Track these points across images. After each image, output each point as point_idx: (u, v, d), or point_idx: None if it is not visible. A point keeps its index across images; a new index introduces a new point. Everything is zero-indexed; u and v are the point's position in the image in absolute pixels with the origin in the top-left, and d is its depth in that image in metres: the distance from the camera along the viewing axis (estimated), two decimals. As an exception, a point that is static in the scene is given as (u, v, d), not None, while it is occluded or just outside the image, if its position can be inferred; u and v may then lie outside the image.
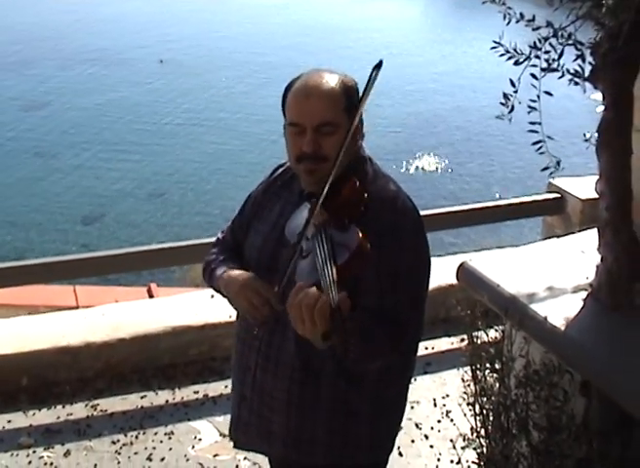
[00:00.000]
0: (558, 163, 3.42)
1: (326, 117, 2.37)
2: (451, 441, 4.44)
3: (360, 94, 2.28)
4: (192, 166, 27.32)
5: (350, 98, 2.42)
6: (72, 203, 24.49)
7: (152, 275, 17.02)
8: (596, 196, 5.66)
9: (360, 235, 2.16)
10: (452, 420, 4.68)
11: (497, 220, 6.80)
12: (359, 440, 2.55)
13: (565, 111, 26.70)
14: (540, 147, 3.37)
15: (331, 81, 2.42)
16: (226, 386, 4.86)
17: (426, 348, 5.39)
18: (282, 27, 45.66)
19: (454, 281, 5.44)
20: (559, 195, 6.06)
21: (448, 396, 4.95)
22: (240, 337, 2.66)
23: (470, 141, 29.32)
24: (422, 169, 27.31)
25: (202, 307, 5.37)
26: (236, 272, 2.51)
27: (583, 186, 5.97)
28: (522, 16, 3.45)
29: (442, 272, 5.20)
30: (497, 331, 3.37)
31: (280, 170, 2.71)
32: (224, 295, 2.55)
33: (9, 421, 4.66)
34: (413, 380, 4.90)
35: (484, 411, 3.22)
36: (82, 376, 5.03)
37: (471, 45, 41.32)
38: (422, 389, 5.02)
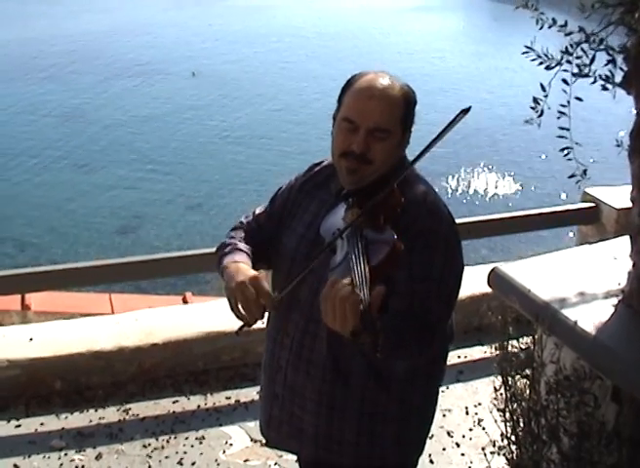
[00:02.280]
0: (585, 171, 3.41)
1: (382, 122, 2.38)
2: (482, 449, 4.41)
3: (440, 130, 2.24)
4: (228, 178, 27.37)
5: (408, 110, 2.45)
6: (109, 214, 24.63)
7: (188, 285, 17.09)
8: (631, 205, 5.65)
9: (395, 236, 2.17)
10: (483, 428, 4.65)
11: (531, 230, 6.78)
12: (386, 441, 2.55)
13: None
14: (568, 153, 3.36)
15: (396, 88, 2.43)
16: (258, 392, 4.85)
17: (459, 357, 5.38)
18: (316, 40, 45.64)
19: (487, 289, 5.48)
20: (594, 204, 6.02)
21: (480, 404, 4.93)
22: (271, 336, 2.67)
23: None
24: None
25: (235, 313, 5.37)
26: (242, 266, 2.49)
27: (618, 195, 5.92)
28: (554, 21, 3.45)
29: (475, 281, 5.20)
30: (527, 336, 3.35)
31: (316, 168, 2.71)
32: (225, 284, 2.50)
33: (42, 424, 4.70)
34: (445, 388, 4.95)
35: (514, 417, 3.20)
36: (115, 381, 5.06)
37: (512, 59, 41.16)
38: (454, 397, 5.00)
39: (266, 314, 2.42)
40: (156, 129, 32.39)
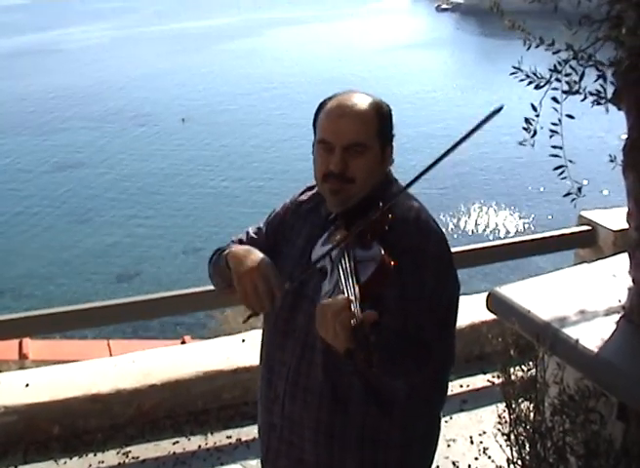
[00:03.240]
0: (579, 189, 3.37)
1: (356, 138, 2.36)
2: (489, 478, 4.35)
3: (471, 128, 2.10)
4: (225, 221, 27.43)
5: (383, 123, 2.43)
6: (106, 261, 24.64)
7: (187, 329, 17.03)
8: (628, 227, 5.61)
9: (382, 252, 2.14)
10: (489, 457, 4.54)
11: (528, 255, 6.70)
12: None
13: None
14: (562, 172, 3.33)
15: (366, 103, 2.41)
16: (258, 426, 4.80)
17: (461, 386, 5.31)
18: (305, 85, 45.79)
19: (486, 317, 5.44)
20: (590, 227, 5.98)
21: (485, 433, 4.85)
22: (267, 366, 2.61)
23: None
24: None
25: (234, 351, 5.32)
26: (253, 249, 2.42)
27: (614, 217, 5.89)
28: (542, 40, 3.43)
29: (474, 309, 5.16)
30: (529, 360, 3.30)
31: (309, 192, 2.68)
32: (228, 271, 2.42)
33: (41, 471, 4.63)
34: (448, 418, 4.88)
35: (519, 441, 3.14)
36: (113, 424, 4.99)
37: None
38: (459, 427, 4.93)
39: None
40: (150, 176, 32.58)
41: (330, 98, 2.48)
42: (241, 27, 70.36)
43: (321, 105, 2.48)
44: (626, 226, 5.67)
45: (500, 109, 2.06)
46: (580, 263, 6.11)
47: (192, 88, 46.68)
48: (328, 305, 2.01)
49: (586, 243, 6.03)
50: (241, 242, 2.69)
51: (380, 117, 2.43)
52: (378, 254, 2.14)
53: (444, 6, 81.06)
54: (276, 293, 2.27)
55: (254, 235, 2.71)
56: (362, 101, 2.42)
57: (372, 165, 2.39)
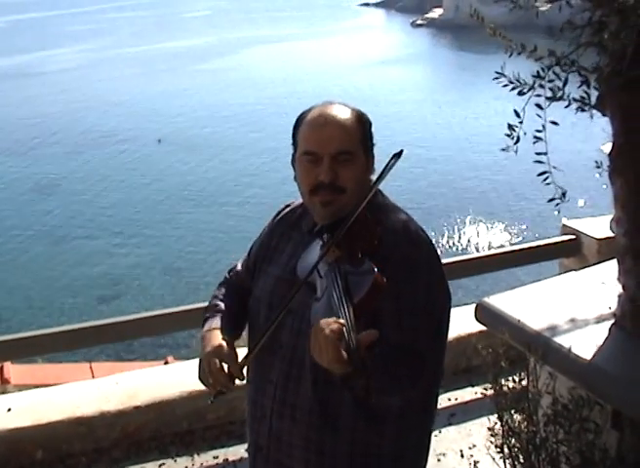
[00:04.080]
0: (564, 194, 3.34)
1: (344, 145, 2.34)
2: (481, 492, 4.29)
3: (376, 176, 2.27)
4: (206, 240, 27.39)
5: (365, 130, 2.42)
6: (87, 284, 24.51)
7: (169, 350, 16.95)
8: (612, 235, 5.59)
9: (375, 270, 2.09)
10: (480, 471, 4.53)
11: (511, 266, 6.68)
12: None
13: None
14: (547, 178, 3.30)
15: (347, 112, 2.40)
16: (246, 449, 4.72)
17: (449, 399, 5.26)
18: (285, 100, 45.85)
19: (472, 330, 5.40)
20: (574, 236, 5.96)
21: (475, 446, 4.80)
22: (254, 385, 2.55)
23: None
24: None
25: (218, 370, 5.25)
26: (213, 335, 2.46)
27: (598, 226, 5.88)
28: (524, 47, 3.40)
29: (460, 322, 5.11)
30: (519, 371, 3.25)
31: (287, 209, 2.65)
32: None
33: (24, 496, 4.53)
34: (437, 432, 4.83)
35: (513, 453, 3.08)
36: (98, 447, 4.90)
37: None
38: (448, 441, 4.87)
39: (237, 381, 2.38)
40: (127, 196, 32.54)
41: (309, 110, 2.45)
42: (218, 47, 70.52)
43: (300, 117, 2.45)
44: (610, 234, 5.71)
45: (400, 153, 2.23)
46: (564, 273, 6.11)
47: (168, 109, 46.69)
48: (321, 330, 1.96)
49: (571, 252, 6.01)
50: (231, 279, 2.76)
51: (363, 125, 2.41)
52: (369, 272, 2.10)
53: (419, 21, 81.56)
54: (232, 370, 2.31)
55: (240, 269, 2.75)
56: (343, 110, 2.40)
57: (360, 174, 2.37)
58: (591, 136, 28.47)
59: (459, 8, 74.35)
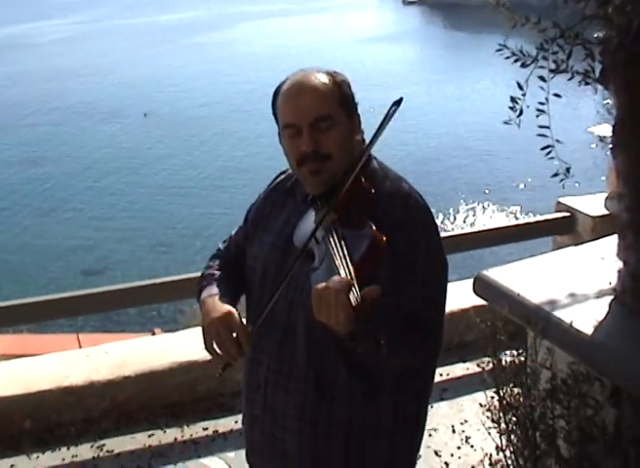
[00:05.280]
0: (568, 169, 3.30)
1: (320, 111, 2.28)
2: (472, 467, 4.29)
3: (376, 128, 2.16)
4: (194, 217, 27.31)
5: (344, 92, 2.35)
6: (73, 256, 24.44)
7: (156, 324, 16.91)
8: (606, 212, 5.57)
9: (373, 228, 2.05)
10: (472, 446, 4.52)
11: (505, 242, 6.64)
12: (378, 458, 2.39)
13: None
14: (550, 152, 3.26)
15: (320, 77, 2.34)
16: (237, 421, 4.71)
17: (441, 375, 5.23)
18: (272, 77, 45.55)
19: (464, 305, 5.38)
20: (568, 214, 5.93)
21: (466, 421, 4.79)
22: (248, 355, 2.51)
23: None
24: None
25: (209, 342, 5.21)
26: (216, 301, 2.38)
27: (593, 203, 5.85)
28: (527, 19, 3.35)
29: (452, 298, 5.07)
30: (516, 344, 3.22)
31: (282, 176, 2.60)
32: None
33: (12, 466, 4.50)
34: (429, 407, 4.79)
35: (509, 427, 3.06)
36: (87, 417, 4.87)
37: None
38: (440, 416, 4.86)
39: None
40: (117, 170, 32.42)
41: (283, 82, 2.40)
42: (211, 20, 70.14)
43: (276, 91, 2.40)
44: (605, 212, 5.69)
45: (399, 101, 2.16)
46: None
47: (157, 82, 46.48)
48: (327, 288, 1.89)
49: (565, 229, 5.98)
50: (227, 249, 2.69)
51: (338, 86, 2.34)
52: (368, 231, 2.05)
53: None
54: (240, 339, 2.23)
55: (236, 238, 2.69)
56: (316, 75, 2.34)
57: (343, 137, 2.31)
58: (578, 116, 28.59)
59: (451, -14, 74.14)
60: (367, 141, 2.26)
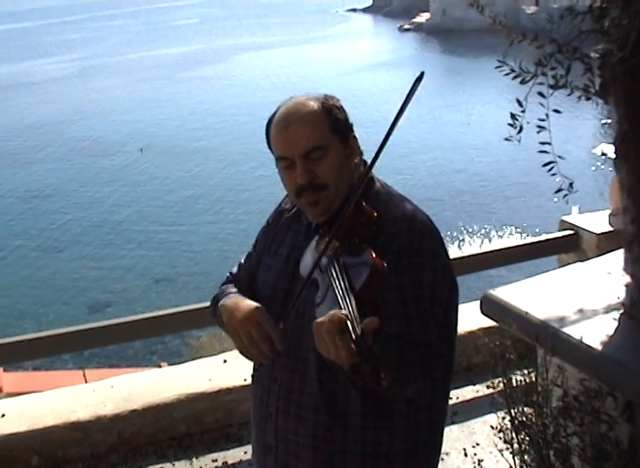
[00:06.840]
0: (571, 185, 3.27)
1: (311, 142, 2.25)
2: (486, 490, 4.22)
3: (401, 104, 2.09)
4: (197, 248, 27.32)
5: (335, 118, 2.31)
6: (78, 293, 24.44)
7: (162, 357, 16.88)
8: (610, 229, 5.55)
9: (373, 255, 2.03)
10: (485, 469, 4.46)
11: (511, 262, 6.62)
12: None
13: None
14: (552, 168, 3.24)
15: (309, 105, 2.30)
16: (246, 452, 4.66)
17: (451, 398, 5.15)
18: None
19: (472, 327, 5.34)
20: (573, 232, 5.91)
21: (478, 445, 4.73)
22: (259, 383, 2.47)
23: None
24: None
25: (215, 373, 5.17)
26: (240, 300, 2.34)
27: (597, 220, 5.83)
28: (524, 35, 3.35)
29: (459, 320, 5.03)
30: (526, 363, 3.19)
31: (287, 200, 2.57)
32: (224, 326, 2.36)
33: (21, 503, 4.45)
34: (441, 431, 4.74)
35: (522, 447, 3.01)
36: (95, 452, 4.81)
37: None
38: (451, 440, 4.80)
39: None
40: (114, 205, 32.54)
41: (274, 113, 2.37)
42: (209, 53, 70.60)
43: (268, 123, 2.37)
44: (609, 229, 5.66)
45: (421, 76, 2.05)
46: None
47: (154, 117, 46.74)
48: (322, 324, 1.88)
49: (570, 247, 5.96)
50: (237, 275, 2.63)
51: (328, 113, 2.30)
52: (369, 258, 2.03)
53: (406, 26, 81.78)
54: (273, 337, 2.17)
55: (246, 263, 2.63)
56: (304, 104, 2.31)
57: (338, 163, 2.28)
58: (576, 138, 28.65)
59: (445, 12, 74.69)
60: (376, 147, 2.13)
